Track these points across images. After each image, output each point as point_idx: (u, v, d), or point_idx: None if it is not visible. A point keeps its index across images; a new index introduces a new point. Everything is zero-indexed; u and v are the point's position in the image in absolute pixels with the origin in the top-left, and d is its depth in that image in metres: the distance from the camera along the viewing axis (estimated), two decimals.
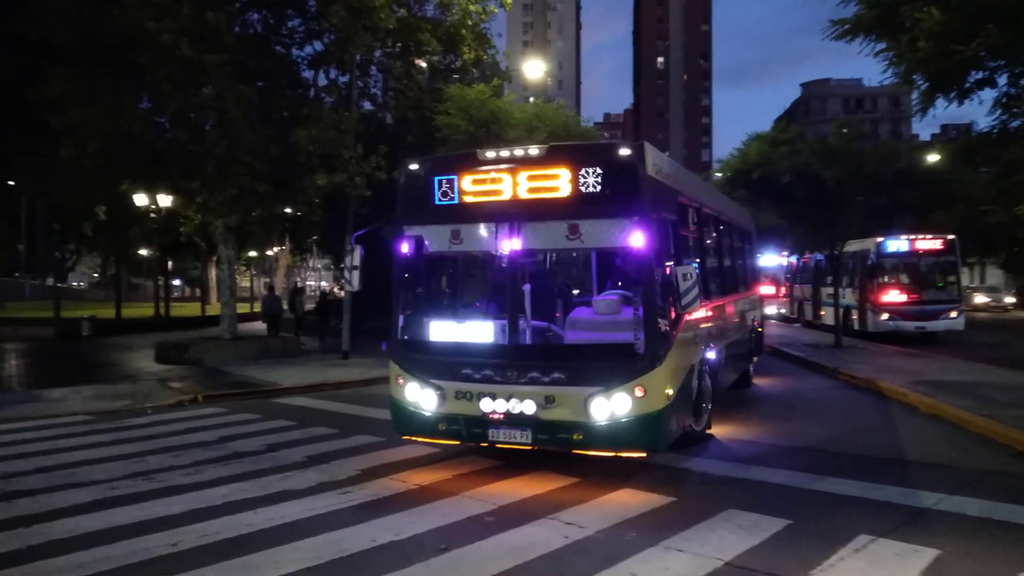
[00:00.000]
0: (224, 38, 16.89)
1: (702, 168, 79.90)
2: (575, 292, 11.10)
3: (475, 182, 7.59)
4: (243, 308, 35.04)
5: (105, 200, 29.59)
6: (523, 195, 7.38)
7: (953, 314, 22.20)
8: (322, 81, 22.14)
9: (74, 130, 17.47)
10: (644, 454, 7.37)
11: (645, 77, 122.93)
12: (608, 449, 7.15)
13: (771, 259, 30.54)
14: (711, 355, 9.21)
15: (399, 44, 23.92)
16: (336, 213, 20.60)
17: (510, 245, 7.38)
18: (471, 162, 7.69)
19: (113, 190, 23.87)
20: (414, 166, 8.02)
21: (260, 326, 27.21)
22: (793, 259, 30.74)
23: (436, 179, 7.73)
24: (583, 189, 7.15)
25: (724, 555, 5.40)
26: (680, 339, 7.58)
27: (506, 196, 7.45)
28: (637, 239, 6.94)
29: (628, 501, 6.78)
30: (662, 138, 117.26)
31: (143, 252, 46.39)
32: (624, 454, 7.21)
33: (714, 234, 10.94)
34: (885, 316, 22.00)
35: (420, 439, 8.13)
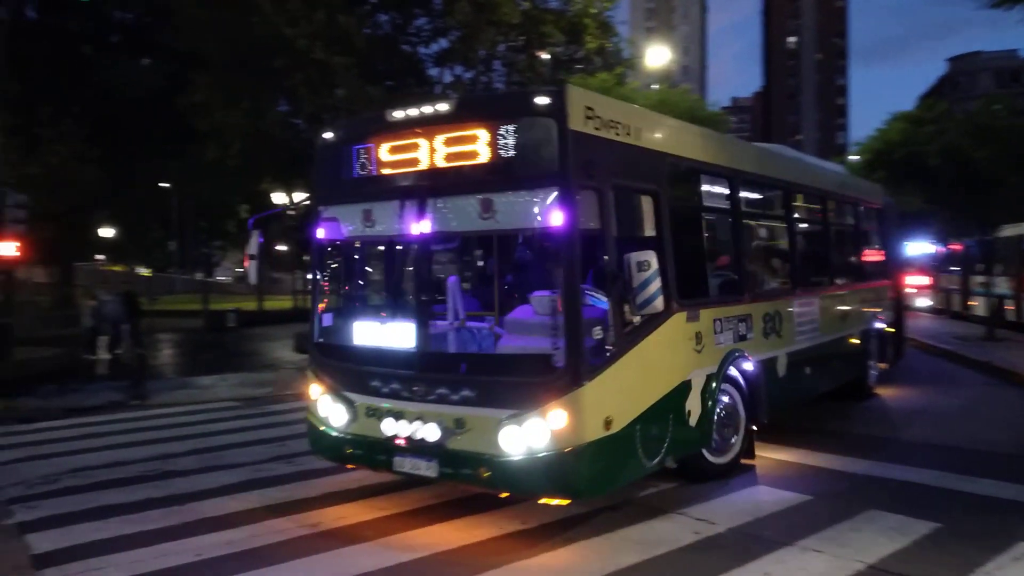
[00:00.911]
0: (354, 40, 17.53)
1: (837, 151, 76.24)
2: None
3: (389, 151, 6.19)
4: None
5: (246, 199, 31.40)
6: (437, 164, 5.91)
7: None
8: (447, 78, 22.61)
9: (218, 133, 18.60)
10: (567, 501, 5.62)
11: (775, 58, 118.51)
12: (521, 491, 5.67)
13: (920, 247, 28.77)
14: (747, 366, 7.37)
15: (522, 37, 24.04)
16: None
17: (418, 227, 5.92)
18: (380, 126, 6.29)
19: (253, 189, 25.29)
20: (328, 134, 6.71)
21: None
22: (939, 246, 28.88)
23: (350, 148, 6.41)
24: (501, 153, 5.56)
25: (866, 557, 5.13)
26: (644, 349, 5.89)
27: (416, 167, 6.02)
28: (556, 217, 5.25)
29: (761, 498, 6.54)
30: (794, 121, 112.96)
31: (281, 248, 48.83)
32: (543, 500, 5.60)
33: (775, 209, 9.21)
34: None
35: (335, 462, 6.78)
